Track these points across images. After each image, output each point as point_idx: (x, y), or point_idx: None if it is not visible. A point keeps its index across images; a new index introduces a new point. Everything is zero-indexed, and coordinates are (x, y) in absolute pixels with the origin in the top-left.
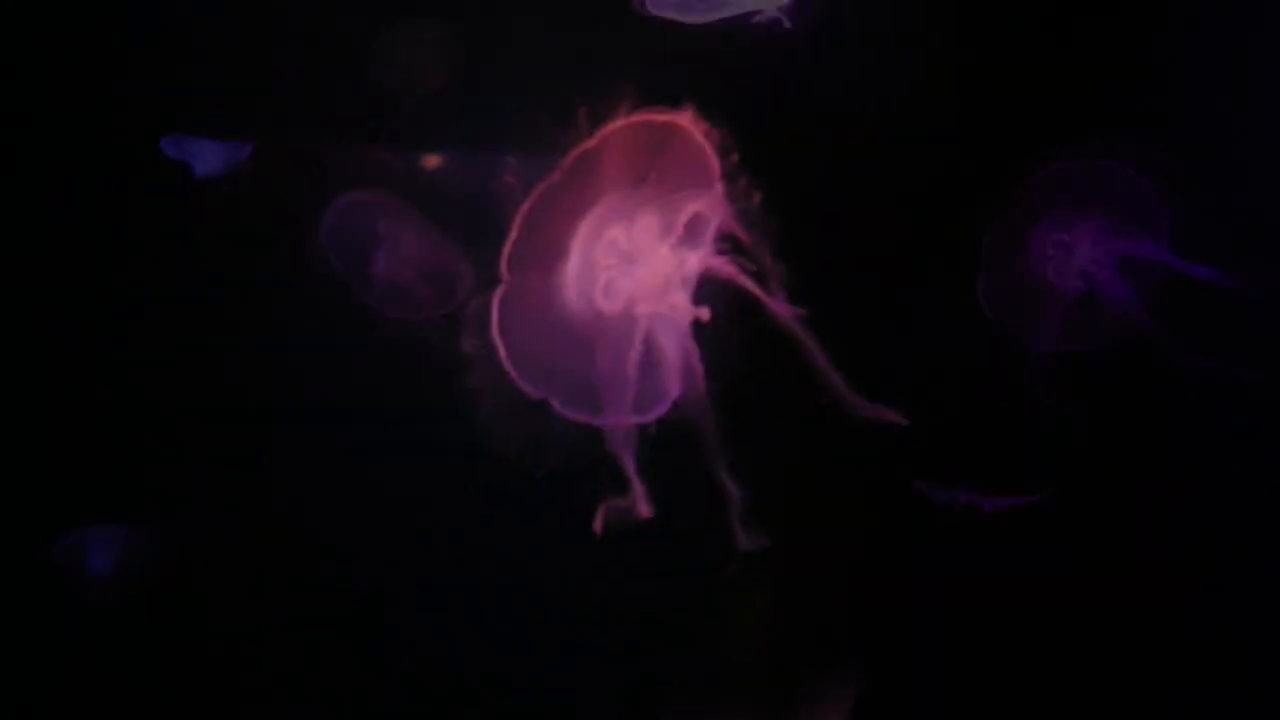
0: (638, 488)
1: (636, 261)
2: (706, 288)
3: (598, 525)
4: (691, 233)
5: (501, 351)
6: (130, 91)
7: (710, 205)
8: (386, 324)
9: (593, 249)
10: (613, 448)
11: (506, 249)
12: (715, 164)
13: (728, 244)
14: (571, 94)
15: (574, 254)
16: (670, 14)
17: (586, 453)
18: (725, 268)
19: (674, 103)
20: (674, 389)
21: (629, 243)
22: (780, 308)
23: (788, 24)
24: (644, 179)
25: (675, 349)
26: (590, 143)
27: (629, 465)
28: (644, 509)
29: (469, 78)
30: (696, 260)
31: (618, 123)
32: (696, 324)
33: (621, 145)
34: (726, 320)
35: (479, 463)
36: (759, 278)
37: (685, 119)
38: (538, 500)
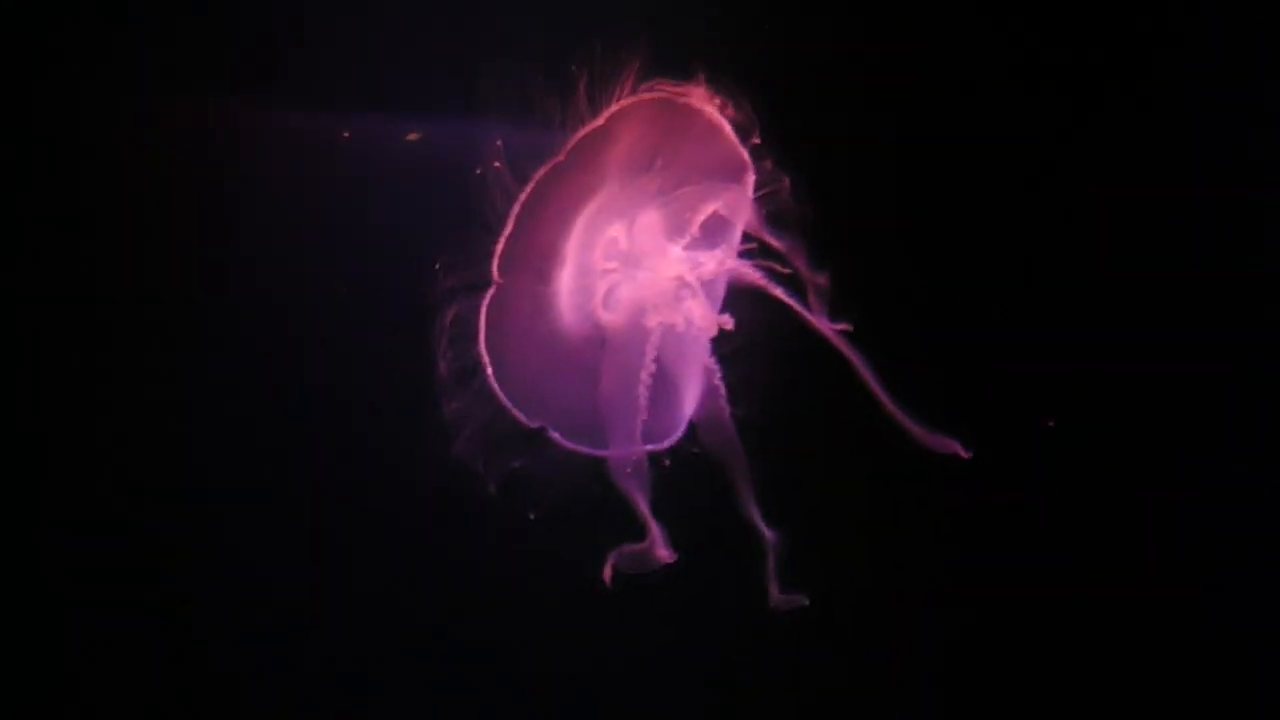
0: (654, 529)
1: (640, 265)
2: (728, 296)
3: (607, 576)
4: (708, 230)
5: (490, 370)
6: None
7: (730, 200)
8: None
9: (590, 250)
10: (621, 484)
11: (500, 246)
12: (736, 149)
13: (754, 245)
14: (570, 57)
15: (568, 256)
16: None
17: (589, 490)
18: (750, 273)
19: (683, 71)
20: (691, 415)
21: (630, 242)
22: (820, 321)
23: None
24: (649, 166)
25: (691, 367)
26: (598, 121)
27: (642, 504)
28: (664, 553)
29: (450, 36)
30: (713, 263)
31: (629, 99)
32: (718, 337)
33: (633, 126)
34: (753, 334)
35: (456, 503)
36: (793, 285)
37: (699, 95)
38: (529, 548)
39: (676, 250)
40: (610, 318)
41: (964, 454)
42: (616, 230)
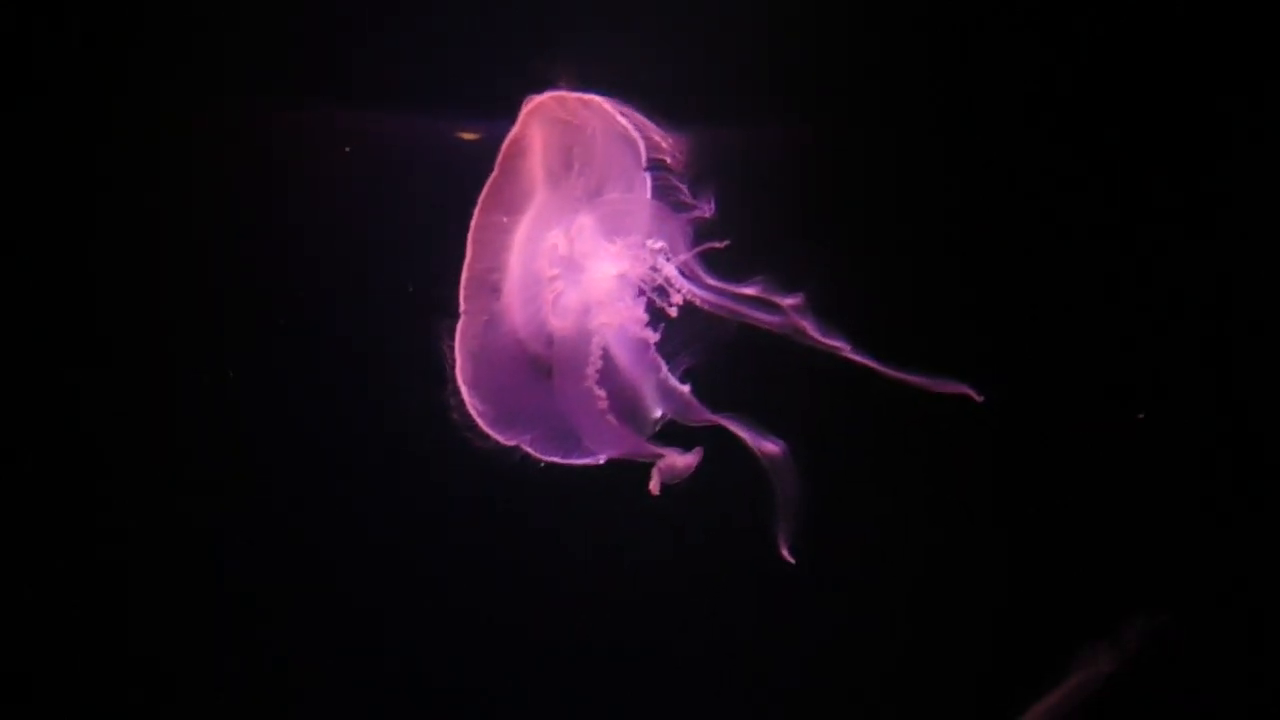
0: (670, 451)
1: (583, 268)
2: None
3: (654, 486)
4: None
5: (464, 394)
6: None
7: (666, 226)
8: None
9: (534, 260)
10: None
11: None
12: (637, 147)
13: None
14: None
15: (514, 269)
16: None
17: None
18: (690, 265)
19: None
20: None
21: (570, 246)
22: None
23: None
24: (569, 168)
25: (639, 364)
26: (513, 131)
27: (651, 450)
28: (689, 458)
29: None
30: (652, 256)
31: (531, 105)
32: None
33: (541, 132)
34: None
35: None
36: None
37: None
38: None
39: (614, 248)
40: (560, 324)
41: (977, 398)
42: (556, 236)
